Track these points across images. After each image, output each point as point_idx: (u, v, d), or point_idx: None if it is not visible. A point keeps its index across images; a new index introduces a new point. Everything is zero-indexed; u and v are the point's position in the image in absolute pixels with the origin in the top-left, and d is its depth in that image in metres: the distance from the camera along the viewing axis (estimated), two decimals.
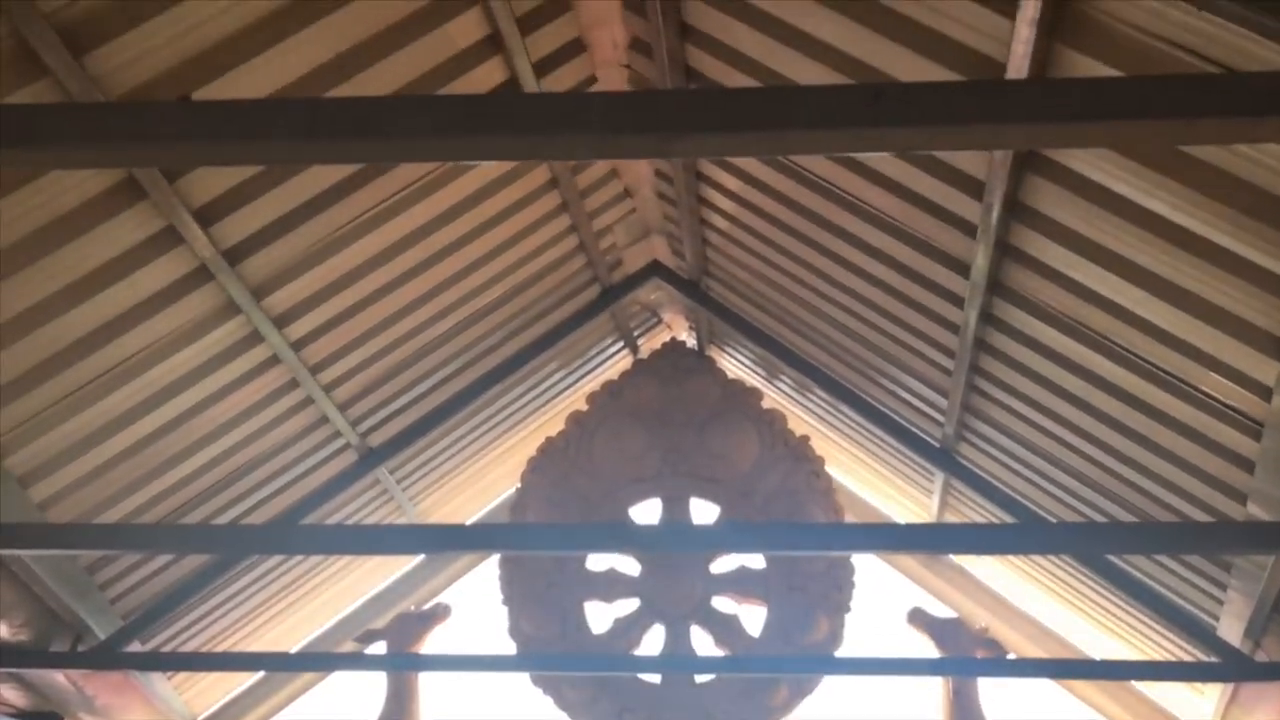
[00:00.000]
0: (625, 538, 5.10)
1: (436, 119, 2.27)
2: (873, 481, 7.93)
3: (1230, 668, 5.28)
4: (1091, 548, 5.22)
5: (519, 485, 7.36)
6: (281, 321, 5.09)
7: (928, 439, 6.30)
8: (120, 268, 4.22)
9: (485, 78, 4.57)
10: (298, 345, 5.32)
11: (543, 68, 4.74)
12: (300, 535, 5.71)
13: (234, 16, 3.60)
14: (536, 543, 5.08)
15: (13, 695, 5.99)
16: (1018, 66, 3.13)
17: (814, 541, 4.79)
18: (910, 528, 4.86)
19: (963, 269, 4.47)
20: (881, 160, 4.29)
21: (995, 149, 3.57)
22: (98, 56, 3.37)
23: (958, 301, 4.71)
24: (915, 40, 3.46)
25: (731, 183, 5.44)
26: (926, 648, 6.97)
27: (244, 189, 4.32)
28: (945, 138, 2.45)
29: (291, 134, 2.26)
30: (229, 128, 2.26)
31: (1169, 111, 2.20)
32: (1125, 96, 2.24)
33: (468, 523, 8.36)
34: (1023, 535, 5.00)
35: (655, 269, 7.04)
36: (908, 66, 3.58)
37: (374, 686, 7.11)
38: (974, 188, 3.98)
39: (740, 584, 6.86)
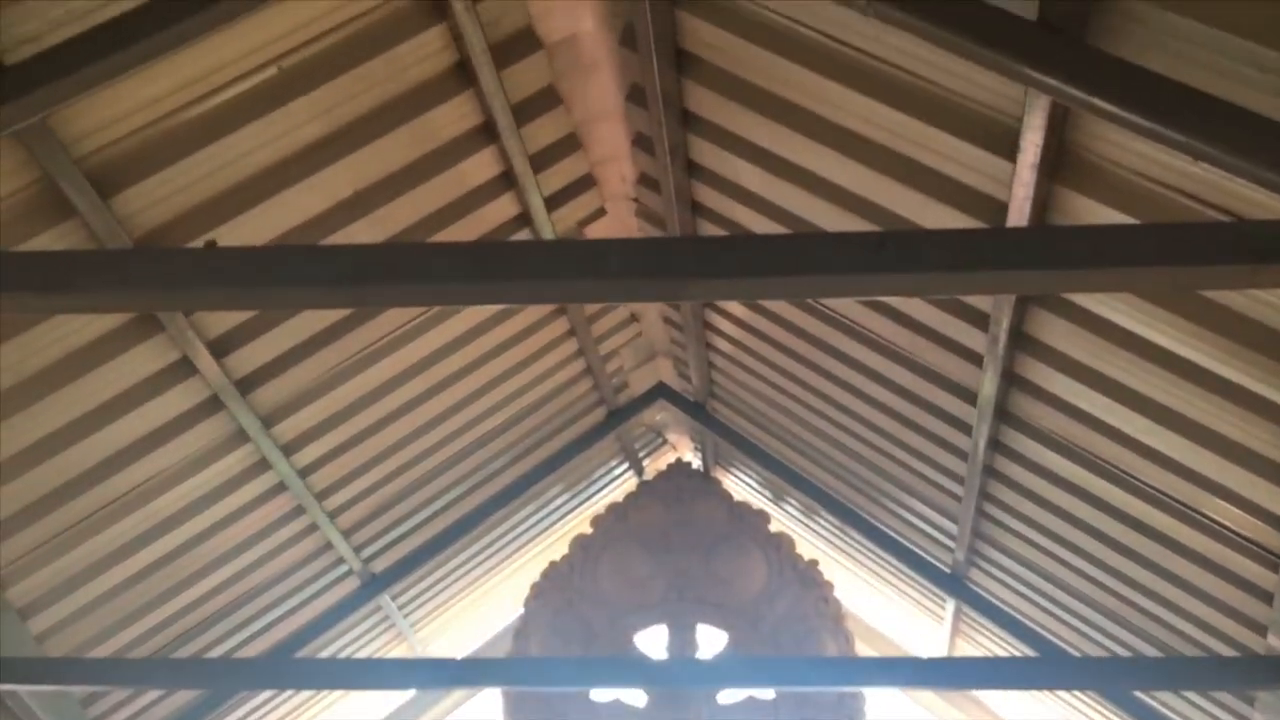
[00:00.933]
0: (631, 672, 4.99)
1: (462, 265, 2.34)
2: (883, 606, 7.80)
3: None
4: (1114, 683, 5.11)
5: (522, 611, 7.24)
6: (289, 449, 5.10)
7: (938, 565, 6.24)
8: (132, 399, 4.24)
9: (498, 212, 4.69)
10: (304, 472, 5.31)
11: (553, 202, 4.86)
12: (295, 669, 5.59)
13: (256, 159, 3.72)
14: (538, 678, 4.97)
15: None
16: (1020, 207, 3.22)
17: (827, 677, 4.70)
18: (927, 662, 4.75)
19: (970, 397, 4.50)
20: None
21: (999, 293, 3.64)
22: (124, 198, 3.46)
23: (966, 428, 4.73)
24: (919, 181, 3.57)
25: (737, 308, 5.52)
26: None
27: (258, 320, 4.38)
28: (950, 284, 2.51)
29: (318, 280, 2.31)
30: (256, 274, 2.32)
31: (1170, 259, 2.26)
32: (1127, 245, 2.30)
33: (470, 650, 8.21)
34: (1043, 670, 4.91)
35: (661, 391, 7.09)
36: (912, 206, 3.68)
37: None
38: (979, 319, 4.04)
39: (749, 714, 6.68)
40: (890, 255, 2.37)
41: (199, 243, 3.51)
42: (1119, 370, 3.76)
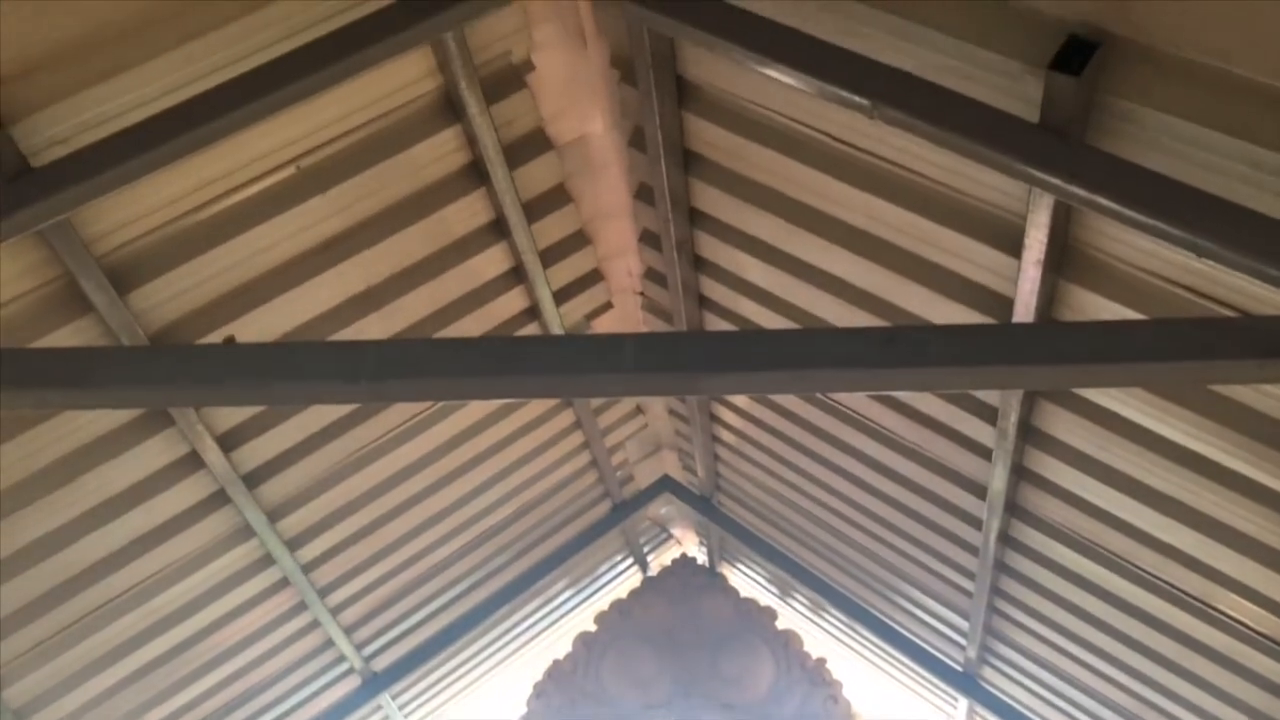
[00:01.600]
0: None
1: (482, 360, 2.37)
2: (894, 705, 7.63)
3: None
4: None
5: (524, 711, 7.09)
6: (294, 544, 5.06)
7: (950, 662, 6.13)
8: (138, 494, 4.23)
9: (508, 306, 4.74)
10: (308, 568, 5.26)
11: (561, 296, 4.92)
12: None
13: (271, 255, 3.78)
14: None
15: None
16: (1026, 303, 3.26)
17: None
18: None
19: (980, 491, 4.49)
20: None
21: (1008, 389, 3.67)
22: (140, 294, 3.50)
23: (976, 523, 4.70)
24: (925, 277, 3.62)
25: (743, 401, 5.54)
26: None
27: (266, 414, 4.40)
28: (959, 379, 2.53)
29: (339, 376, 2.34)
30: (276, 370, 2.34)
31: (1177, 354, 2.29)
32: (1133, 340, 2.33)
33: None
34: None
35: (666, 484, 7.06)
36: (919, 301, 3.73)
37: None
38: (988, 413, 4.05)
39: None
40: (900, 350, 2.40)
41: (217, 338, 3.58)
42: (1129, 464, 3.76)
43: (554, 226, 4.58)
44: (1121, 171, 2.59)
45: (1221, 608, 4.00)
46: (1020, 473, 4.24)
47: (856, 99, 2.81)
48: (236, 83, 2.94)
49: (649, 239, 4.77)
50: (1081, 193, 2.65)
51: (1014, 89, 2.66)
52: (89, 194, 2.84)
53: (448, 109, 3.75)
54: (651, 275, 5.08)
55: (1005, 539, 4.67)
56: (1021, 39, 2.55)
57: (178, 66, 2.92)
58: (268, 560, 5.02)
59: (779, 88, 3.18)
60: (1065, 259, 3.16)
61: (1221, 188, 2.50)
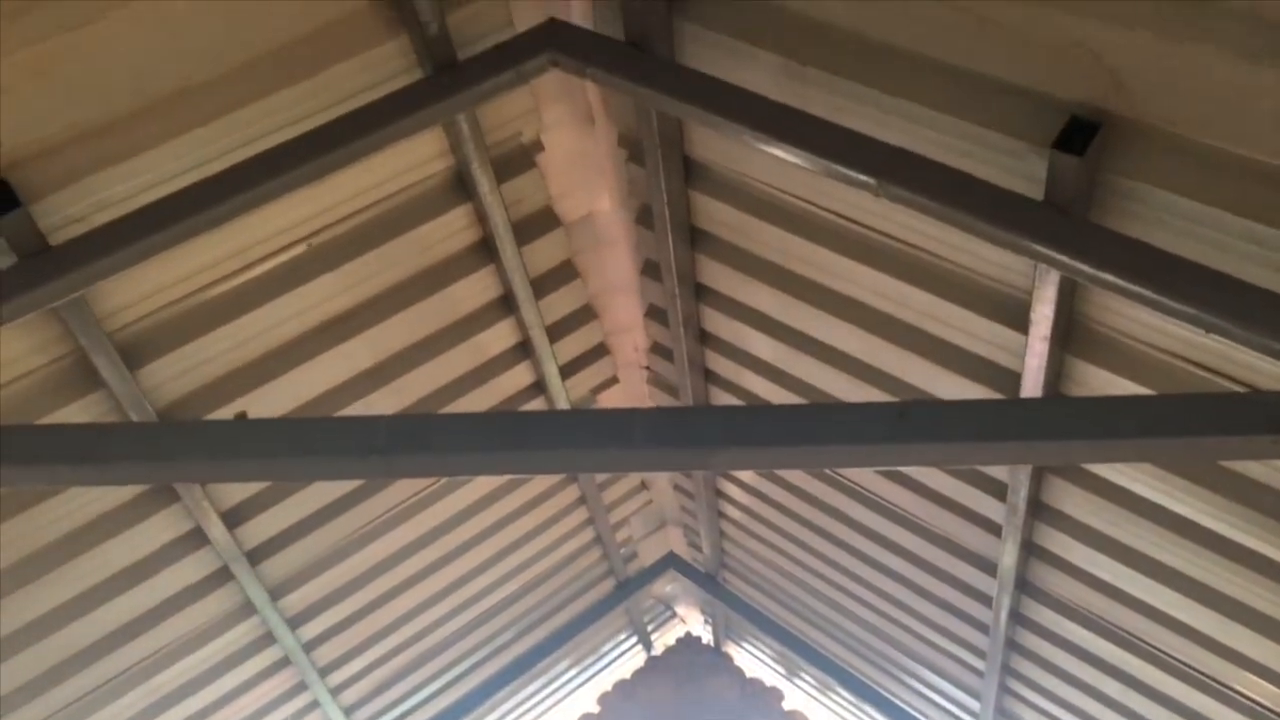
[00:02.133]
0: None
1: (488, 437, 2.36)
2: None
3: None
4: None
5: None
6: (296, 622, 5.00)
7: None
8: (141, 571, 4.19)
9: (514, 381, 4.75)
10: (309, 646, 5.19)
11: (568, 370, 4.94)
12: None
13: (281, 332, 3.80)
14: None
15: None
16: (1034, 378, 3.27)
17: None
18: None
19: (989, 567, 4.45)
20: None
21: (1018, 464, 3.66)
22: (151, 370, 3.52)
23: (986, 600, 4.65)
24: (932, 352, 3.63)
25: (750, 476, 5.51)
26: None
27: (271, 490, 4.38)
28: (969, 454, 2.53)
29: (347, 451, 2.33)
30: (285, 446, 2.34)
31: (1187, 430, 2.29)
32: (1142, 416, 2.33)
33: None
34: None
35: (671, 561, 6.99)
36: (926, 376, 3.74)
37: None
38: (997, 488, 4.03)
39: None
40: (911, 426, 2.40)
41: (227, 413, 3.59)
42: (1141, 540, 3.73)
43: (561, 302, 4.61)
44: (1127, 248, 2.62)
45: (1237, 687, 3.93)
46: (1030, 549, 4.21)
47: (862, 177, 2.86)
48: (250, 163, 3.00)
49: (655, 314, 4.80)
50: (1087, 269, 2.68)
51: (1017, 167, 2.70)
52: (104, 272, 2.87)
53: (459, 187, 3.81)
54: (658, 350, 5.11)
55: (1016, 617, 4.62)
56: (1023, 119, 2.60)
57: (194, 148, 2.98)
58: (269, 639, 4.95)
59: (785, 166, 3.23)
60: (1072, 334, 3.18)
61: (1227, 264, 2.52)
